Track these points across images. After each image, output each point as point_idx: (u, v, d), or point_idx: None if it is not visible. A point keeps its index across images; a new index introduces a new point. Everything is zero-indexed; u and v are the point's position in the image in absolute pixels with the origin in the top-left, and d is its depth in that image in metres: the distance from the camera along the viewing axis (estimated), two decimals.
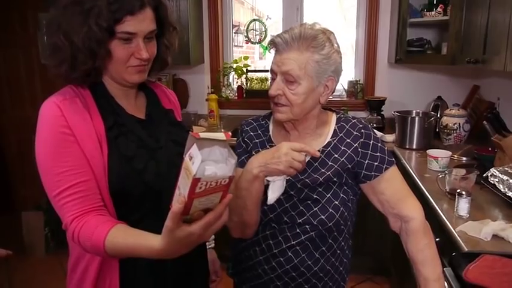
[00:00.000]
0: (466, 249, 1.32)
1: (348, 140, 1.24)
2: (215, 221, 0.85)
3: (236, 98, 3.46)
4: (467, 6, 2.36)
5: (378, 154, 1.23)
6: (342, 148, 1.23)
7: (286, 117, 1.21)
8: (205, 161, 0.76)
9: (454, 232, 1.43)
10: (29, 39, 3.66)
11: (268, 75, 3.48)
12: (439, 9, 2.68)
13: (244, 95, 3.44)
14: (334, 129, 1.26)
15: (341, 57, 1.21)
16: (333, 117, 1.30)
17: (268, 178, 1.12)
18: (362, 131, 1.24)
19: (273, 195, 1.13)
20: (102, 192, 1.02)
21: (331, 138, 1.25)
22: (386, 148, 1.27)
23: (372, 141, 1.24)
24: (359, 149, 1.23)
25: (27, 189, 3.76)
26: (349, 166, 1.22)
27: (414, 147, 2.58)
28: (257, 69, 3.63)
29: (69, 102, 1.03)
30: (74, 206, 0.98)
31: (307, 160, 1.11)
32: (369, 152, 1.23)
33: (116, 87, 1.11)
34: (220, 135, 0.79)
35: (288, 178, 1.14)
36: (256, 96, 3.37)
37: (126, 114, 1.11)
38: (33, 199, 3.36)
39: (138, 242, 0.94)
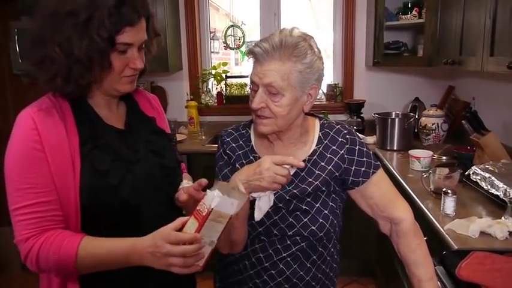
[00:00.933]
0: (456, 247, 1.34)
1: (334, 147, 1.21)
2: (178, 254, 0.89)
3: (216, 104, 3.44)
4: (441, 9, 2.41)
5: (364, 159, 1.22)
6: (328, 156, 1.21)
7: (271, 130, 1.17)
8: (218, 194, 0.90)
9: (443, 230, 1.45)
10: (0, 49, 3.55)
11: (248, 80, 3.47)
12: (414, 12, 2.74)
13: (224, 101, 3.42)
14: (319, 137, 1.24)
15: (323, 63, 1.18)
16: (316, 123, 1.27)
17: (253, 194, 1.08)
18: (347, 136, 1.22)
19: (259, 212, 1.11)
20: (71, 209, 0.98)
21: (316, 146, 1.23)
22: (371, 152, 1.26)
23: (357, 147, 1.22)
24: (345, 156, 1.21)
25: (0, 204, 3.64)
26: (337, 174, 1.20)
27: (395, 148, 2.62)
28: (235, 75, 3.62)
29: (45, 114, 0.99)
30: (29, 225, 0.96)
31: (292, 172, 1.09)
32: (355, 157, 1.22)
33: (98, 97, 1.07)
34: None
35: (274, 192, 1.11)
36: (236, 102, 3.36)
37: (104, 125, 1.07)
38: (8, 214, 3.24)
39: (113, 241, 0.96)
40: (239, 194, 0.97)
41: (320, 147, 1.22)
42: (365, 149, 1.24)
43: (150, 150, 1.12)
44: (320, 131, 1.25)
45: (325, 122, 1.28)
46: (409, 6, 2.78)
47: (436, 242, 1.46)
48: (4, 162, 0.99)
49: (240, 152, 1.25)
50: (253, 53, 1.12)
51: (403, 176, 2.08)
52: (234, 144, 1.26)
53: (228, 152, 1.25)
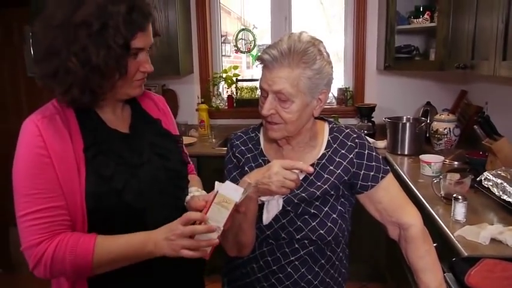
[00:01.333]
0: (466, 254, 1.32)
1: (343, 151, 1.21)
2: (188, 233, 0.94)
3: (226, 107, 3.45)
4: (454, 13, 2.39)
5: (374, 164, 1.22)
6: (337, 160, 1.21)
7: (281, 135, 1.17)
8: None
9: (453, 237, 1.43)
10: (14, 51, 3.60)
11: (258, 84, 3.48)
12: (426, 16, 2.71)
13: (235, 105, 3.43)
14: (328, 140, 1.24)
15: (332, 67, 1.18)
16: (325, 127, 1.27)
17: (262, 198, 1.09)
18: (356, 141, 1.22)
19: (267, 215, 1.11)
20: (78, 214, 0.99)
21: (325, 149, 1.23)
22: (381, 156, 1.26)
23: (366, 151, 1.22)
24: (354, 160, 1.21)
25: (13, 204, 3.68)
26: (346, 178, 1.20)
27: (406, 152, 2.59)
28: (245, 78, 3.62)
29: (49, 121, 1.00)
30: (40, 230, 0.96)
31: (301, 177, 1.09)
32: (364, 162, 1.21)
33: (103, 102, 1.08)
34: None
35: (284, 197, 1.12)
36: (246, 106, 3.36)
37: (108, 130, 1.08)
38: None
39: (129, 236, 0.98)
40: (245, 186, 1.02)
41: (329, 151, 1.22)
42: (374, 154, 1.23)
43: (155, 153, 1.13)
44: (329, 135, 1.25)
45: (334, 126, 1.27)
46: (421, 10, 2.76)
47: (445, 249, 1.44)
48: (12, 170, 1.00)
49: (249, 155, 1.25)
50: (262, 60, 1.12)
51: (413, 181, 2.06)
52: (243, 147, 1.27)
53: (237, 155, 1.26)
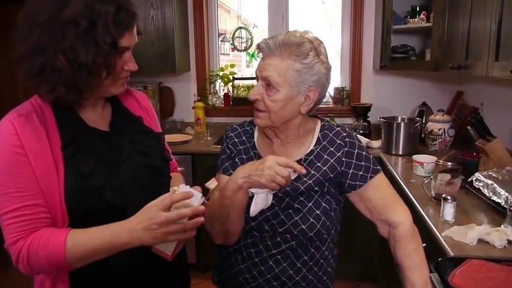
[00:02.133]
0: (452, 254, 1.32)
1: (331, 149, 1.22)
2: (176, 219, 0.95)
3: (223, 105, 3.45)
4: (449, 13, 2.39)
5: (363, 163, 1.22)
6: (325, 157, 1.21)
7: (264, 123, 1.20)
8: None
9: (440, 237, 1.43)
10: (11, 47, 3.61)
11: (255, 82, 3.49)
12: (422, 16, 2.71)
13: (231, 103, 3.43)
14: (318, 137, 1.25)
15: (327, 69, 1.18)
16: (317, 125, 1.28)
17: (252, 190, 1.10)
18: (346, 139, 1.22)
19: (255, 208, 1.12)
20: (57, 213, 0.99)
21: (314, 146, 1.24)
22: (371, 156, 1.26)
23: (356, 150, 1.22)
24: (343, 159, 1.21)
25: None
26: (332, 176, 1.20)
27: (400, 153, 2.59)
28: (245, 77, 3.62)
29: (25, 119, 0.99)
30: (18, 228, 0.96)
31: (294, 177, 1.10)
32: (353, 161, 1.21)
33: (86, 99, 1.06)
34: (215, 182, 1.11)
35: (270, 192, 1.12)
36: (243, 104, 3.35)
37: (87, 128, 1.07)
38: None
39: (101, 228, 0.98)
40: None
41: (318, 147, 1.23)
42: (364, 153, 1.24)
43: (136, 150, 1.12)
44: (320, 132, 1.26)
45: (326, 123, 1.28)
46: (417, 9, 2.75)
47: (433, 249, 1.44)
48: None
49: (241, 147, 1.28)
50: (259, 48, 1.18)
51: (405, 181, 2.06)
52: (236, 140, 1.30)
53: (230, 146, 1.29)
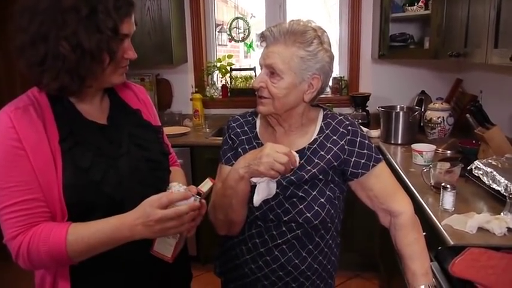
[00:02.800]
0: (452, 243, 1.32)
1: (334, 137, 1.22)
2: (173, 216, 0.95)
3: (221, 97, 3.43)
4: (448, 0, 2.36)
5: (365, 151, 1.22)
6: (328, 145, 1.21)
7: (267, 110, 1.20)
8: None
9: (440, 226, 1.43)
10: (8, 38, 3.57)
11: (253, 73, 3.46)
12: (420, 3, 2.68)
13: (229, 94, 3.41)
14: (321, 126, 1.25)
15: (330, 57, 1.19)
16: (320, 114, 1.28)
17: (253, 179, 1.09)
18: (349, 128, 1.22)
19: (257, 197, 1.11)
20: (56, 207, 0.98)
21: (317, 135, 1.23)
22: (373, 145, 1.25)
23: (358, 139, 1.22)
24: (345, 147, 1.21)
25: None
26: (335, 164, 1.20)
27: (399, 142, 2.58)
28: (242, 67, 3.59)
29: (22, 112, 0.98)
30: (17, 222, 0.95)
31: (297, 164, 1.09)
32: (356, 149, 1.21)
33: (82, 92, 1.05)
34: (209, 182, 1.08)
35: (275, 180, 1.11)
36: (241, 95, 3.34)
37: (85, 121, 1.06)
38: None
39: (102, 222, 0.97)
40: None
41: (321, 136, 1.23)
42: (366, 142, 1.24)
43: (134, 143, 1.11)
44: (323, 121, 1.25)
45: (328, 112, 1.28)
46: None
47: (433, 238, 1.44)
48: None
49: (243, 137, 1.28)
50: (263, 36, 1.18)
51: (405, 171, 2.06)
52: (238, 130, 1.29)
53: (232, 136, 1.29)
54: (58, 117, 1.02)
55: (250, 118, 1.33)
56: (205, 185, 1.05)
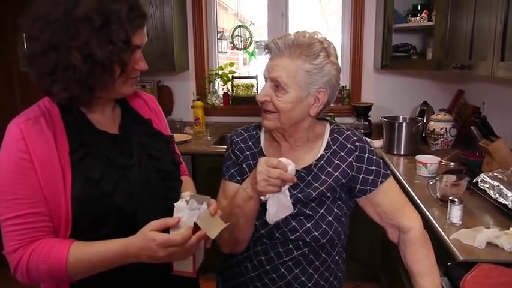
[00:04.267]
0: (461, 258, 1.30)
1: (342, 154, 1.20)
2: (177, 243, 0.92)
3: (222, 105, 3.41)
4: (452, 12, 2.37)
5: (373, 168, 1.20)
6: (336, 162, 1.19)
7: (273, 125, 1.17)
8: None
9: (448, 240, 1.41)
10: (8, 46, 3.56)
11: (254, 81, 3.45)
12: (423, 14, 2.69)
13: (230, 102, 3.40)
14: (328, 142, 1.22)
15: (337, 70, 1.16)
16: (326, 128, 1.25)
17: (262, 197, 1.08)
18: (356, 144, 1.20)
19: (268, 214, 1.09)
20: (61, 220, 0.97)
21: (324, 151, 1.21)
22: (381, 160, 1.24)
23: (366, 155, 1.20)
24: (353, 163, 1.19)
25: None
26: (344, 181, 1.18)
27: (402, 152, 2.57)
28: (241, 75, 3.59)
29: (32, 123, 0.97)
30: (19, 236, 0.94)
31: (293, 173, 1.05)
32: (364, 166, 1.19)
33: (93, 102, 1.04)
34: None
35: (285, 194, 1.09)
36: (242, 103, 3.33)
37: (96, 131, 1.05)
38: None
39: (103, 244, 0.95)
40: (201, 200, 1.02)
41: (328, 152, 1.20)
42: (374, 158, 1.22)
43: (146, 154, 1.10)
44: (329, 136, 1.23)
45: (335, 127, 1.26)
46: (419, 8, 2.74)
47: (441, 252, 1.42)
48: None
49: (248, 153, 1.25)
50: (268, 48, 1.15)
51: (409, 182, 2.04)
52: (242, 145, 1.26)
53: (236, 152, 1.25)
54: (69, 127, 1.01)
55: (254, 132, 1.29)
56: (201, 211, 1.00)
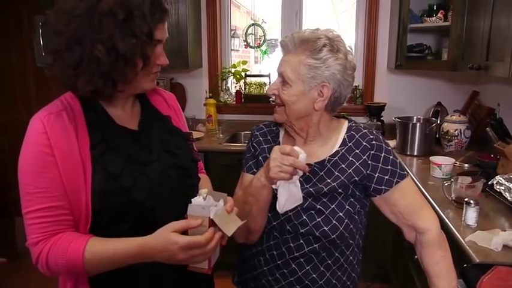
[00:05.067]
0: (478, 260, 1.30)
1: (357, 151, 1.20)
2: (201, 244, 0.92)
3: (234, 102, 3.42)
4: (468, 12, 2.35)
5: (389, 167, 1.20)
6: (350, 159, 1.19)
7: (281, 118, 1.21)
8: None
9: (464, 242, 1.41)
10: (24, 42, 3.60)
11: (267, 80, 3.46)
12: (439, 15, 2.67)
13: (243, 100, 3.41)
14: (344, 138, 1.23)
15: (342, 65, 1.14)
16: (344, 125, 1.26)
17: (273, 186, 1.09)
18: (373, 142, 1.20)
19: (278, 203, 1.10)
20: (82, 213, 0.98)
21: (339, 147, 1.22)
22: (398, 160, 1.23)
23: (383, 154, 1.20)
24: (369, 162, 1.19)
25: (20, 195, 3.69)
26: (357, 179, 1.18)
27: (415, 153, 2.56)
28: (253, 73, 3.59)
29: (55, 117, 0.99)
30: (40, 228, 0.96)
31: (304, 161, 1.05)
32: (380, 165, 1.19)
33: (114, 97, 1.06)
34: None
35: (296, 185, 1.10)
36: (254, 101, 3.34)
37: (116, 127, 1.06)
38: None
39: (119, 243, 0.96)
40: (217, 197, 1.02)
41: (343, 148, 1.21)
42: (391, 157, 1.21)
43: (165, 150, 1.11)
44: (346, 133, 1.24)
45: (353, 124, 1.26)
46: (435, 8, 2.71)
47: (456, 254, 1.41)
48: (18, 167, 0.99)
49: (265, 146, 1.28)
50: (280, 45, 1.21)
51: (423, 183, 2.04)
52: (261, 138, 1.30)
53: (254, 144, 1.30)
54: (90, 122, 1.02)
55: (274, 128, 1.33)
56: (217, 208, 0.99)
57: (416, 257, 1.79)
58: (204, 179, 1.30)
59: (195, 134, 3.06)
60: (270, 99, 1.25)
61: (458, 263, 1.32)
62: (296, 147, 1.06)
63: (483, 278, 1.16)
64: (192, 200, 0.99)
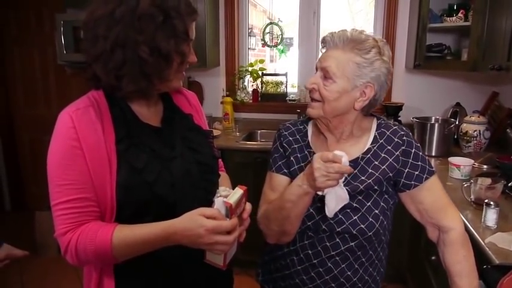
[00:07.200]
0: (497, 262, 1.29)
1: (389, 147, 1.21)
2: (227, 228, 0.95)
3: (251, 101, 3.44)
4: (490, 12, 2.32)
5: (419, 163, 1.21)
6: (383, 155, 1.20)
7: (317, 114, 1.20)
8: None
9: (483, 243, 1.40)
10: (45, 39, 3.68)
11: (284, 79, 3.45)
12: (460, 14, 2.64)
13: (260, 99, 3.42)
14: (375, 136, 1.24)
15: (387, 69, 1.17)
16: (374, 123, 1.27)
17: (318, 192, 1.10)
18: (404, 138, 1.22)
19: (328, 209, 1.11)
20: (107, 206, 1.01)
21: (371, 144, 1.23)
22: (427, 157, 1.25)
23: (413, 150, 1.21)
24: (400, 157, 1.20)
25: (39, 188, 3.75)
26: (391, 174, 1.20)
27: (433, 154, 2.55)
28: (270, 72, 3.60)
29: (82, 113, 1.02)
30: (68, 219, 0.99)
31: (347, 163, 1.06)
32: (410, 160, 1.20)
33: (139, 95, 1.09)
34: (238, 191, 1.02)
35: (341, 186, 1.11)
36: (271, 100, 3.35)
37: (140, 124, 1.09)
38: (46, 198, 3.33)
39: (145, 227, 0.99)
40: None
41: (375, 146, 1.22)
42: (421, 153, 1.23)
43: (187, 146, 1.14)
44: (376, 131, 1.25)
45: (382, 121, 1.27)
46: (455, 8, 2.69)
47: (476, 255, 1.41)
48: (47, 160, 1.02)
49: (295, 146, 1.28)
50: (324, 41, 1.20)
51: (441, 184, 2.02)
52: (291, 138, 1.30)
53: (284, 144, 1.29)
54: (115, 118, 1.05)
55: (301, 127, 1.33)
56: (234, 196, 1.01)
57: (433, 257, 1.80)
58: (224, 177, 1.32)
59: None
60: (310, 94, 1.22)
61: (477, 264, 1.31)
62: (337, 152, 1.06)
63: (503, 280, 1.15)
64: (215, 199, 1.01)
